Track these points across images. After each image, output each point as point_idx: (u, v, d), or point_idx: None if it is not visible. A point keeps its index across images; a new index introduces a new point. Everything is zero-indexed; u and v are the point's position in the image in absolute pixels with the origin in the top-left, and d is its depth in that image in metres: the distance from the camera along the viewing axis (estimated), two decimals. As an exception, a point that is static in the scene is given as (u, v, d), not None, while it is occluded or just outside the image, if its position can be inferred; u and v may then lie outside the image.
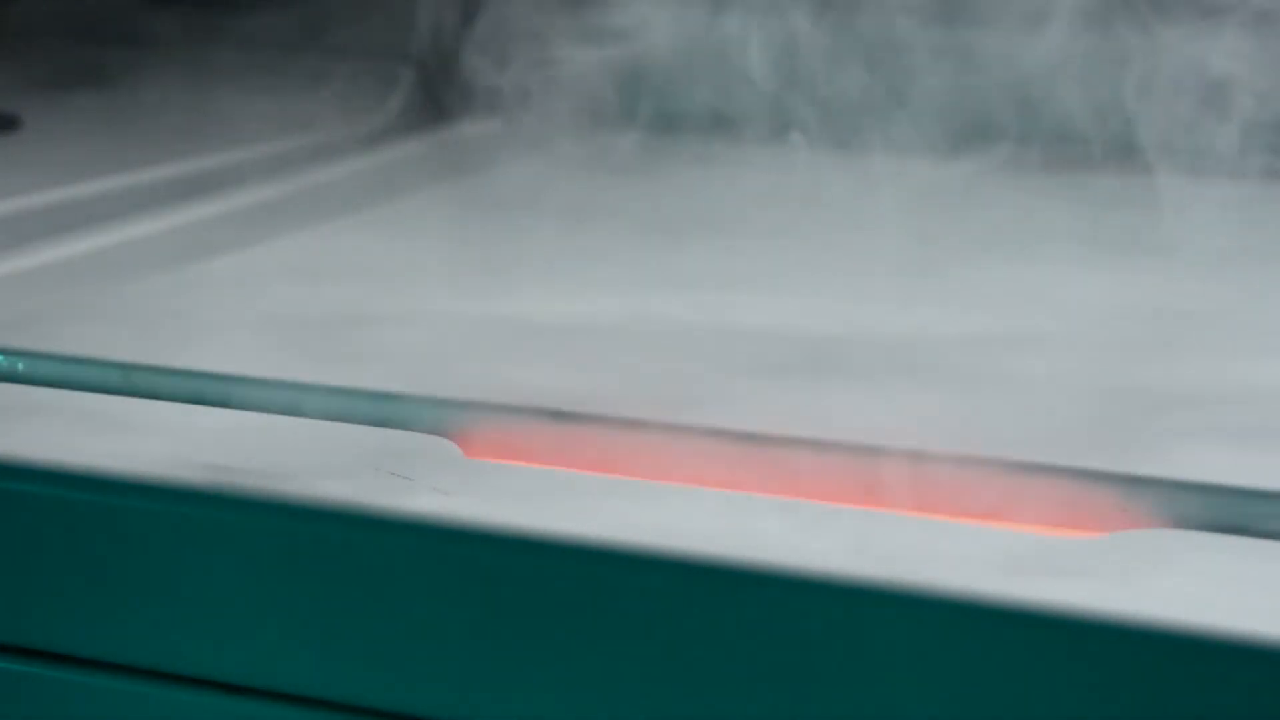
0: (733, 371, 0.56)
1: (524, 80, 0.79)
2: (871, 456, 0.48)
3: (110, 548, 0.47)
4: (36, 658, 0.49)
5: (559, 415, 0.51)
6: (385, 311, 0.63)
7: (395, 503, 0.45)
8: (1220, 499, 0.45)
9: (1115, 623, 0.39)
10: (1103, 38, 0.72)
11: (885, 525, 0.44)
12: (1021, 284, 0.67)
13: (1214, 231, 0.71)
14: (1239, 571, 0.42)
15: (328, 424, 0.51)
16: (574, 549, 0.43)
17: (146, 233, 0.73)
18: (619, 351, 0.58)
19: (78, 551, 0.48)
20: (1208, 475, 0.46)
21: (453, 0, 0.86)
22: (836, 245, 0.72)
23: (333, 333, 0.60)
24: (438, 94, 0.94)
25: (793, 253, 0.71)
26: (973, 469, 0.47)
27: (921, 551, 0.42)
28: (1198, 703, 0.38)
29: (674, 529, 0.43)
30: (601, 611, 0.43)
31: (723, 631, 0.42)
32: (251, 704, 0.47)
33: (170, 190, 0.77)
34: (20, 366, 0.56)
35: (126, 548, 0.47)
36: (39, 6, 1.03)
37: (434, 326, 0.61)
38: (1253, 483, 0.45)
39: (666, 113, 0.85)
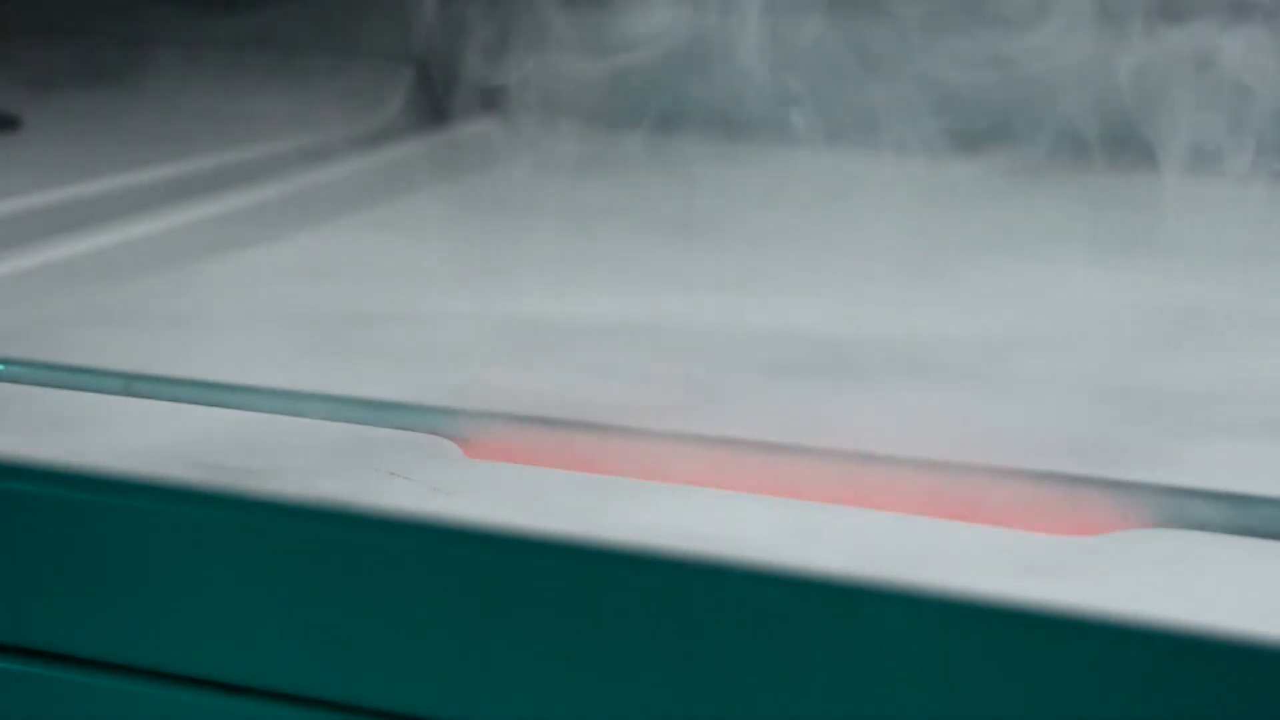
0: (738, 372, 0.56)
1: (524, 80, 0.79)
2: (873, 461, 0.48)
3: (110, 548, 0.47)
4: (36, 658, 0.49)
5: (561, 423, 0.51)
6: (387, 312, 0.63)
7: (395, 503, 0.45)
8: (1220, 499, 0.45)
9: (1115, 623, 0.39)
10: (1102, 37, 0.72)
11: (886, 526, 0.44)
12: (1029, 284, 0.67)
13: (1220, 230, 0.71)
14: (1239, 571, 0.42)
15: (327, 424, 0.51)
16: (574, 549, 0.43)
17: (146, 233, 0.73)
18: (626, 352, 0.58)
19: (78, 551, 0.48)
20: (1216, 475, 0.46)
21: (452, 0, 0.86)
22: (842, 245, 0.72)
23: (336, 333, 0.60)
24: (438, 94, 0.94)
25: (798, 253, 0.71)
26: (974, 472, 0.47)
27: (921, 553, 0.42)
28: (1198, 703, 0.38)
29: (674, 529, 0.43)
30: (602, 612, 0.43)
31: (723, 633, 0.42)
32: (251, 704, 0.47)
33: (170, 190, 0.77)
34: (19, 373, 0.56)
35: (126, 548, 0.47)
36: (39, 6, 1.03)
37: (439, 327, 0.61)
38: (1254, 482, 0.45)
39: (667, 113, 0.85)
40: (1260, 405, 0.53)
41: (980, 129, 0.75)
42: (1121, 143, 0.73)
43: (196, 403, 0.53)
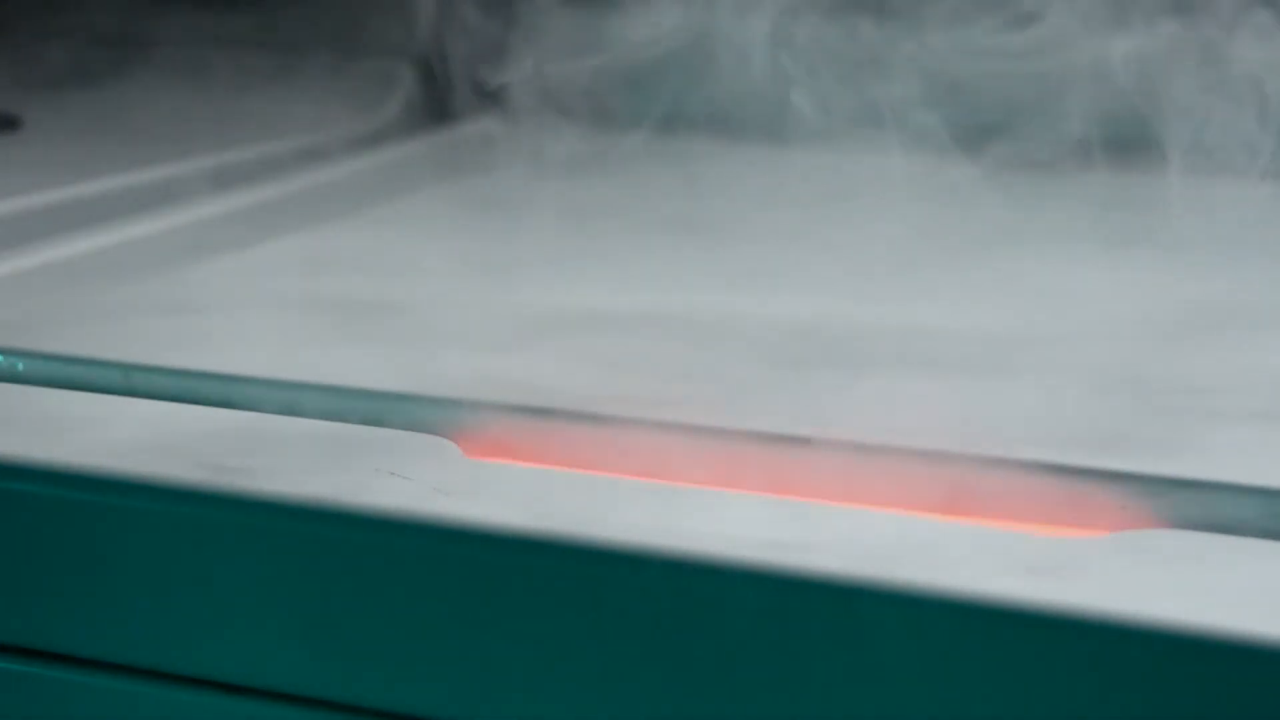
0: (740, 364, 0.56)
1: (526, 79, 0.79)
2: (872, 455, 0.48)
3: (110, 548, 0.47)
4: (36, 658, 0.49)
5: (560, 414, 0.51)
6: (393, 306, 0.63)
7: (395, 503, 0.45)
8: (1221, 498, 0.45)
9: (1115, 623, 0.39)
10: (1099, 35, 0.72)
11: (885, 526, 0.44)
12: (1035, 280, 0.67)
13: (1226, 228, 0.71)
14: (1239, 571, 0.42)
15: (327, 424, 0.51)
16: (574, 549, 0.43)
17: (146, 233, 0.73)
18: (635, 347, 0.58)
19: (78, 551, 0.48)
20: (1219, 468, 0.46)
21: (453, 0, 0.86)
22: (847, 242, 0.72)
23: (336, 324, 0.60)
24: (439, 93, 0.94)
25: (800, 250, 0.71)
26: (973, 467, 0.47)
27: (922, 552, 0.42)
28: (1198, 703, 0.38)
29: (674, 529, 0.43)
30: (602, 612, 0.43)
31: (722, 633, 0.42)
32: (251, 704, 0.47)
33: (171, 190, 0.77)
34: (20, 367, 0.56)
35: (126, 548, 0.47)
36: (39, 6, 1.03)
37: (444, 323, 0.61)
38: (1255, 480, 0.45)
39: (668, 112, 0.85)
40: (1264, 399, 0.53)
41: (982, 126, 0.75)
42: (1123, 140, 0.73)
43: (196, 402, 0.53)
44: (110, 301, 0.64)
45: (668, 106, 0.84)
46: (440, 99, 0.94)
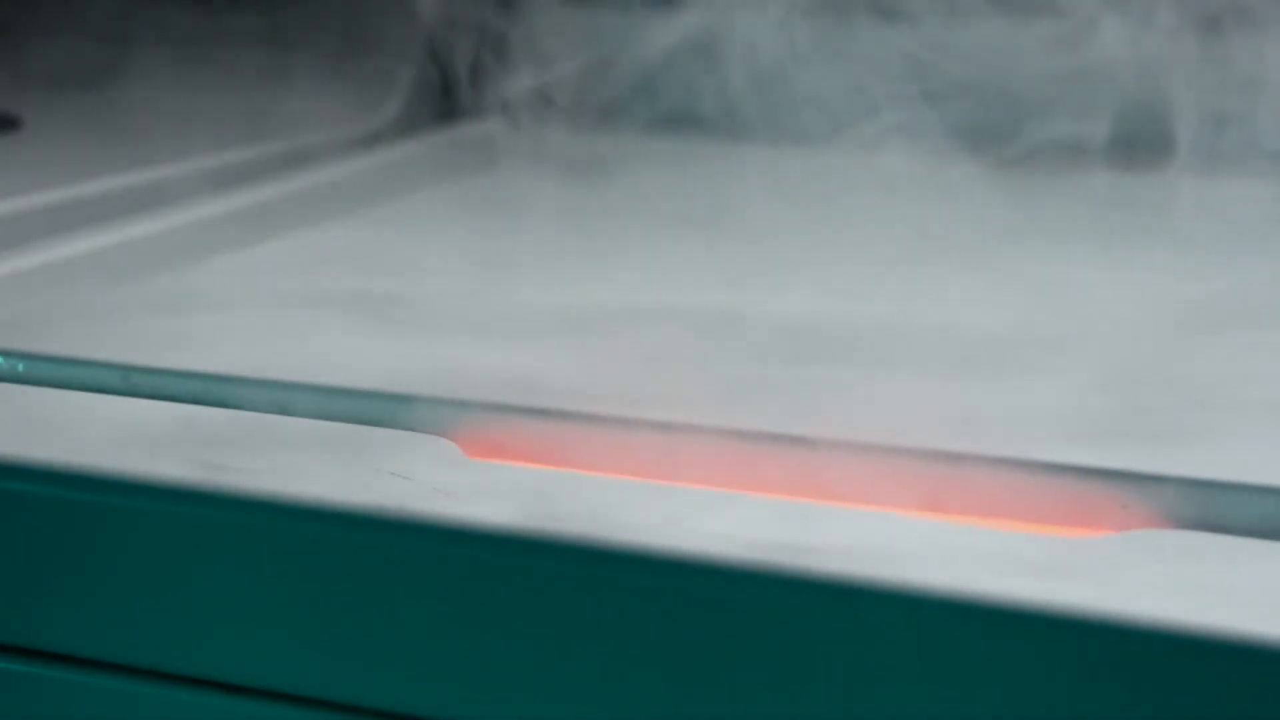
0: (742, 366, 0.56)
1: (526, 79, 0.79)
2: (873, 455, 0.48)
3: (110, 548, 0.47)
4: (36, 658, 0.49)
5: (560, 415, 0.51)
6: (392, 305, 0.63)
7: (395, 503, 0.45)
8: (1222, 498, 0.45)
9: (1116, 623, 0.39)
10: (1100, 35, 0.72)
11: (885, 525, 0.44)
12: (1039, 278, 0.67)
13: (1232, 226, 0.71)
14: (1240, 571, 0.42)
15: (328, 424, 0.51)
16: (574, 549, 0.43)
17: (146, 233, 0.73)
18: (634, 345, 0.59)
19: (78, 551, 0.48)
20: (1221, 468, 0.46)
21: (453, 0, 0.86)
22: (849, 242, 0.72)
23: (341, 325, 0.61)
24: (438, 94, 0.94)
25: (802, 248, 0.71)
26: (974, 466, 0.47)
27: (922, 551, 0.42)
28: (1198, 703, 0.38)
29: (674, 529, 0.43)
30: (602, 612, 0.43)
31: (723, 633, 0.42)
32: (251, 704, 0.47)
33: (171, 190, 0.77)
34: (20, 367, 0.56)
35: (126, 548, 0.47)
36: (39, 6, 1.03)
37: (444, 322, 0.61)
38: (1257, 479, 0.45)
39: (666, 113, 0.85)
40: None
41: (984, 125, 0.75)
42: (1124, 138, 0.73)
43: (196, 395, 0.53)
44: (111, 300, 0.64)
45: (668, 106, 0.84)
46: (441, 99, 0.94)
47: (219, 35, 0.98)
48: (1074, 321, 0.62)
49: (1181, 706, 0.38)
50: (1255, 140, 0.69)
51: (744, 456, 0.49)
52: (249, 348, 0.57)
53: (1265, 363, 0.57)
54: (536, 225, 0.76)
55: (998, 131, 0.75)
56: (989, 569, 0.41)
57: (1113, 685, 0.39)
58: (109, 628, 0.48)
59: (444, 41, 0.89)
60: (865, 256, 0.70)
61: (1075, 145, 0.75)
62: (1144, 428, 0.51)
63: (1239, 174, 0.70)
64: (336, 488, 0.46)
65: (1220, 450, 0.48)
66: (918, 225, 0.72)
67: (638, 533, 0.43)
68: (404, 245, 0.74)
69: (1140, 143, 0.72)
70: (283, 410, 0.52)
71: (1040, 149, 0.75)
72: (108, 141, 0.86)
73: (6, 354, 0.56)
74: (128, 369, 0.55)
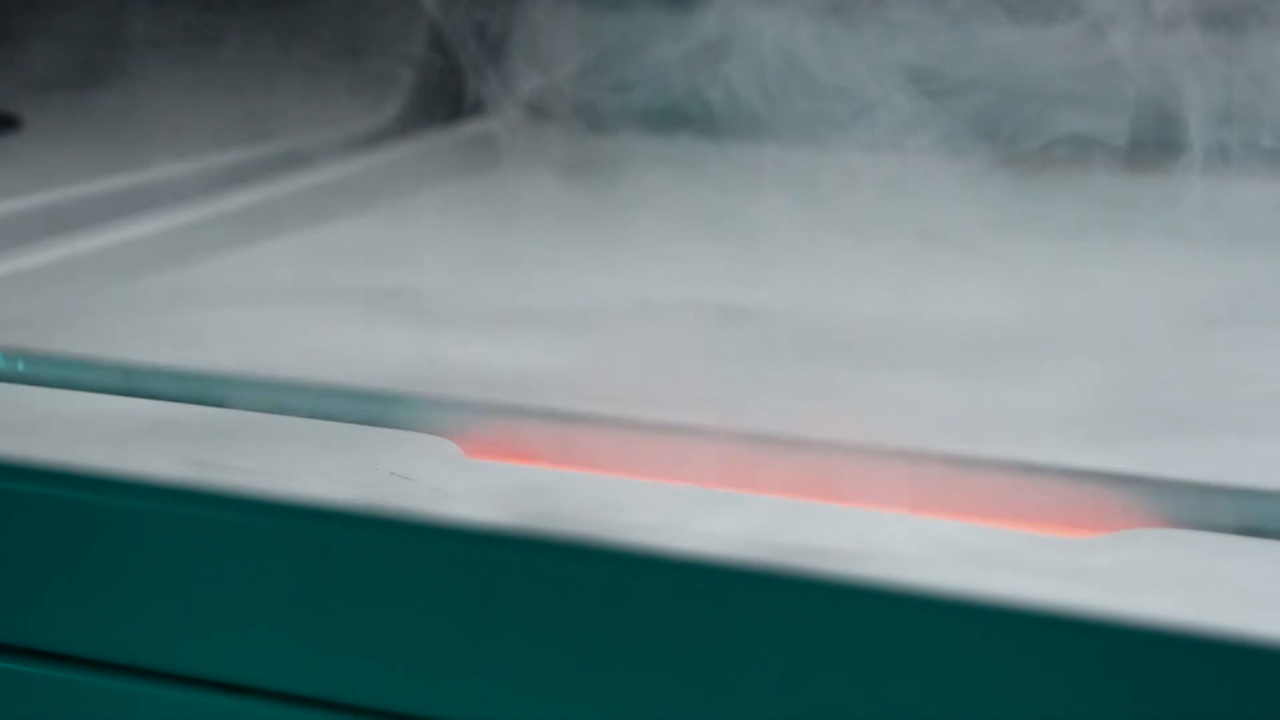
0: (742, 364, 0.57)
1: (526, 80, 0.79)
2: (874, 455, 0.48)
3: (110, 548, 0.47)
4: (36, 658, 0.49)
5: (561, 414, 0.51)
6: (393, 303, 0.63)
7: (395, 502, 0.45)
8: (1221, 498, 0.45)
9: (1115, 622, 0.39)
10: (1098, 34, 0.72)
11: (886, 525, 0.44)
12: (1049, 275, 0.67)
13: (1240, 225, 0.71)
14: (1239, 571, 0.42)
15: (328, 424, 0.51)
16: (574, 549, 0.43)
17: (147, 233, 0.73)
18: (635, 343, 0.59)
19: (78, 551, 0.48)
20: (1222, 468, 0.46)
21: (453, 1, 0.86)
22: (851, 241, 0.72)
23: (342, 323, 0.61)
24: (439, 94, 0.94)
25: (803, 247, 0.71)
26: (974, 467, 0.47)
27: (922, 551, 0.42)
28: (1198, 702, 0.38)
29: (674, 528, 0.43)
30: (602, 612, 0.43)
31: (724, 632, 0.42)
32: (251, 704, 0.47)
33: (171, 190, 0.77)
34: (20, 367, 0.56)
35: (126, 548, 0.47)
36: (39, 6, 1.03)
37: (444, 320, 0.61)
38: (1256, 480, 0.45)
39: (665, 113, 0.85)
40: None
41: (988, 124, 0.75)
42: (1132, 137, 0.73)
43: (196, 402, 0.53)
44: (112, 298, 0.64)
45: (666, 107, 0.84)
46: (442, 99, 0.94)
47: (219, 35, 0.98)
48: (1088, 320, 0.62)
49: (1181, 706, 0.38)
50: (1264, 139, 0.69)
51: (744, 456, 0.49)
52: (251, 343, 0.57)
53: (1273, 362, 0.57)
54: (538, 224, 0.76)
55: (1005, 129, 0.75)
56: (990, 569, 0.41)
57: (1113, 684, 0.39)
58: (109, 628, 0.48)
59: (445, 41, 0.89)
60: (867, 255, 0.70)
61: (1086, 143, 0.75)
62: (1144, 427, 0.51)
63: (1247, 173, 0.70)
64: (336, 487, 0.46)
65: (1221, 448, 0.48)
66: (922, 224, 0.72)
67: (637, 532, 0.43)
68: (405, 243, 0.74)
69: (1148, 141, 0.72)
70: (283, 410, 0.52)
71: (1049, 147, 0.75)
72: (108, 141, 0.86)
73: (7, 352, 0.56)
74: (127, 368, 0.55)
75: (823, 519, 0.44)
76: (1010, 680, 0.40)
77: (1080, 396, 0.53)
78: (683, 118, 0.86)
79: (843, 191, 0.76)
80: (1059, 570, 0.41)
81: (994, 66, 0.76)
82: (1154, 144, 0.71)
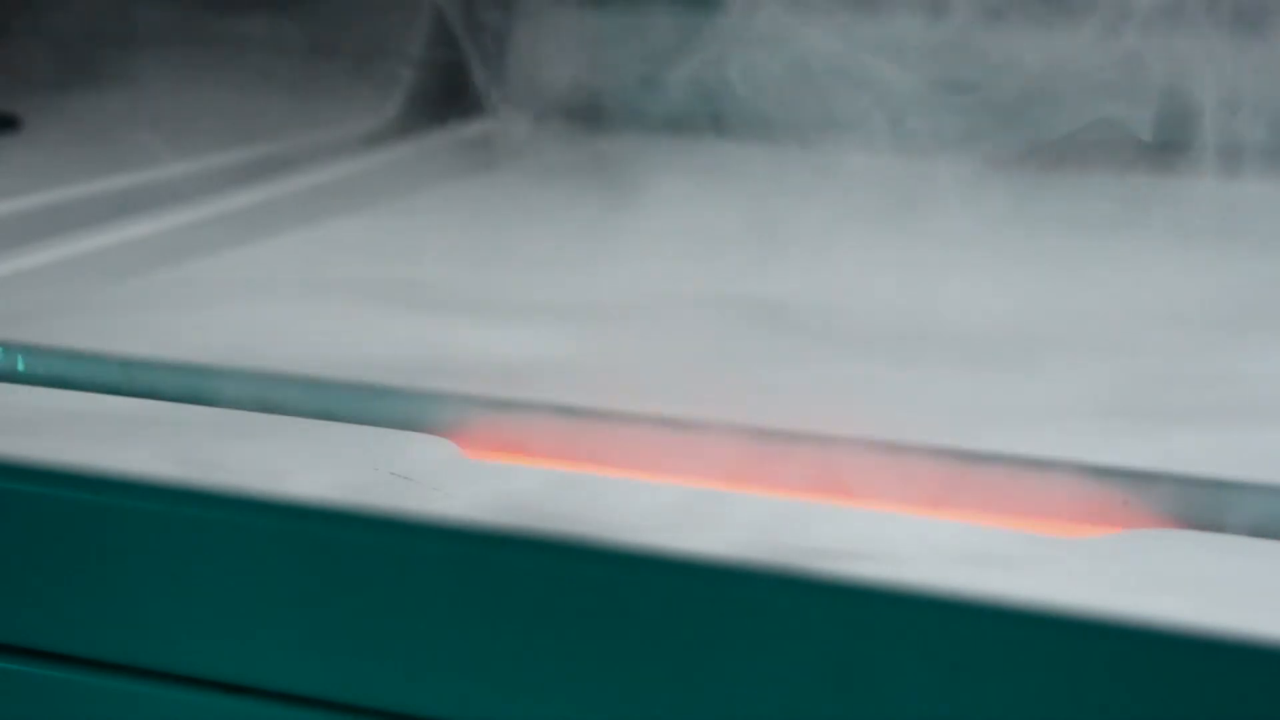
0: (741, 362, 0.57)
1: (525, 80, 0.79)
2: (874, 452, 0.48)
3: (110, 547, 0.47)
4: (36, 658, 0.49)
5: (561, 413, 0.51)
6: (392, 301, 0.63)
7: (395, 502, 0.45)
8: (1223, 497, 0.45)
9: (1118, 621, 0.39)
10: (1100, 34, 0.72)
11: (886, 524, 0.44)
12: (1060, 274, 0.67)
13: (1247, 225, 0.71)
14: (1241, 571, 0.42)
15: (328, 423, 0.51)
16: (573, 548, 0.43)
17: (147, 233, 0.73)
18: (634, 341, 0.59)
19: (78, 551, 0.48)
20: (1222, 467, 0.46)
21: (453, 1, 0.86)
22: (853, 241, 0.72)
23: (342, 321, 0.61)
24: (439, 94, 0.94)
25: (811, 247, 0.71)
26: (975, 463, 0.47)
27: (923, 550, 0.42)
28: (1199, 702, 0.38)
29: (674, 527, 0.43)
30: (602, 611, 0.43)
31: (723, 632, 0.42)
32: (251, 704, 0.47)
33: (171, 190, 0.77)
34: (20, 366, 0.56)
35: (126, 547, 0.47)
36: (39, 6, 1.03)
37: (445, 318, 0.61)
38: (1258, 477, 0.45)
39: (668, 112, 0.85)
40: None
41: (992, 124, 0.75)
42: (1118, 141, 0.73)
43: (196, 400, 0.53)
44: (112, 296, 0.64)
45: (671, 106, 0.84)
46: (443, 99, 0.94)
47: (220, 35, 0.98)
48: (1095, 318, 0.62)
49: (1182, 705, 0.38)
50: (1271, 139, 0.69)
51: (745, 454, 0.48)
52: (249, 337, 0.57)
53: (1275, 361, 0.57)
54: (541, 221, 0.76)
55: (1012, 129, 0.75)
56: (990, 568, 0.41)
57: (1114, 684, 0.39)
58: (108, 628, 0.48)
59: (446, 41, 0.89)
60: (869, 255, 0.70)
61: (1094, 142, 0.75)
62: (1147, 426, 0.51)
63: (1255, 173, 0.70)
64: (336, 487, 0.46)
65: (1223, 448, 0.48)
66: (920, 223, 0.72)
67: (637, 532, 0.43)
68: (407, 241, 0.74)
69: (1159, 141, 0.71)
70: (283, 409, 0.52)
71: (1064, 144, 0.75)
72: (107, 141, 0.86)
73: (6, 347, 0.56)
74: (127, 362, 0.55)
75: (824, 518, 0.44)
76: (1011, 679, 0.40)
77: (1087, 393, 0.53)
78: (687, 117, 0.86)
79: (846, 191, 0.76)
80: (1060, 569, 0.41)
81: (1009, 67, 0.76)
82: (1163, 144, 0.71)
